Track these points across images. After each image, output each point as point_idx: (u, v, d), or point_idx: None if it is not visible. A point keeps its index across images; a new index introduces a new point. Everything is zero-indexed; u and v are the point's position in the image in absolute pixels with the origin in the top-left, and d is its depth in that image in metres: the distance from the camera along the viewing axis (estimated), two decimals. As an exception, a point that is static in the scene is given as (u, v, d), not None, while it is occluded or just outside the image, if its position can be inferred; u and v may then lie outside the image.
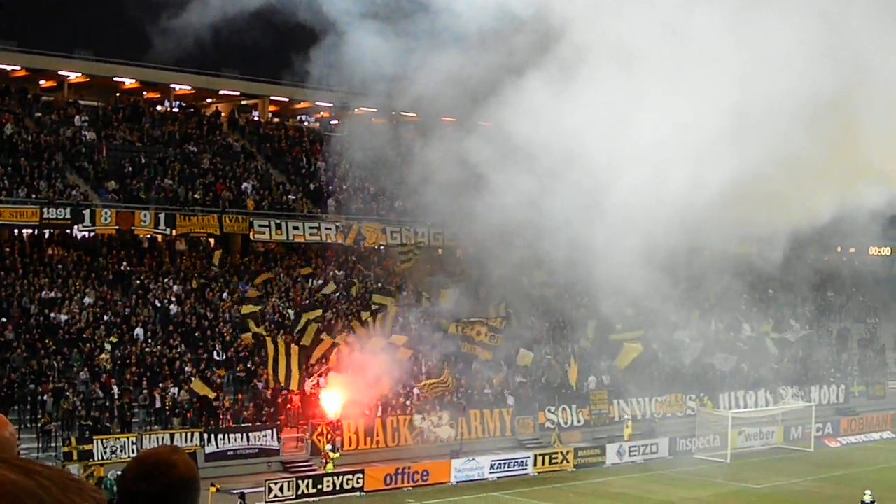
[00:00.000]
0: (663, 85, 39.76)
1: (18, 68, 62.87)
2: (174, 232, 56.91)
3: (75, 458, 42.68)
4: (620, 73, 40.15)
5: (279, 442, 48.27)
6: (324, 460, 47.06)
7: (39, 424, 43.99)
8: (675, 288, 52.62)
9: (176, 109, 67.89)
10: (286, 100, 73.00)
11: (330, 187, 64.62)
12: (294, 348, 50.05)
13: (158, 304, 53.42)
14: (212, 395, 47.82)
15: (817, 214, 46.31)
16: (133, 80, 67.12)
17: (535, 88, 41.28)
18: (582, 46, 40.72)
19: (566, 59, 40.76)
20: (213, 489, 38.38)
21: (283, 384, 49.67)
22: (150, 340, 50.87)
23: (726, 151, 39.28)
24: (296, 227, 59.61)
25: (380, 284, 60.58)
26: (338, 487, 45.30)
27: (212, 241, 60.49)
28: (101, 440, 44.11)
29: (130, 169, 58.64)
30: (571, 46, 40.72)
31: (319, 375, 51.05)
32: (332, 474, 45.71)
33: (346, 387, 49.88)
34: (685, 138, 39.67)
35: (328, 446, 47.70)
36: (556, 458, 52.00)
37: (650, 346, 59.98)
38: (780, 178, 41.04)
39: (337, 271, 61.08)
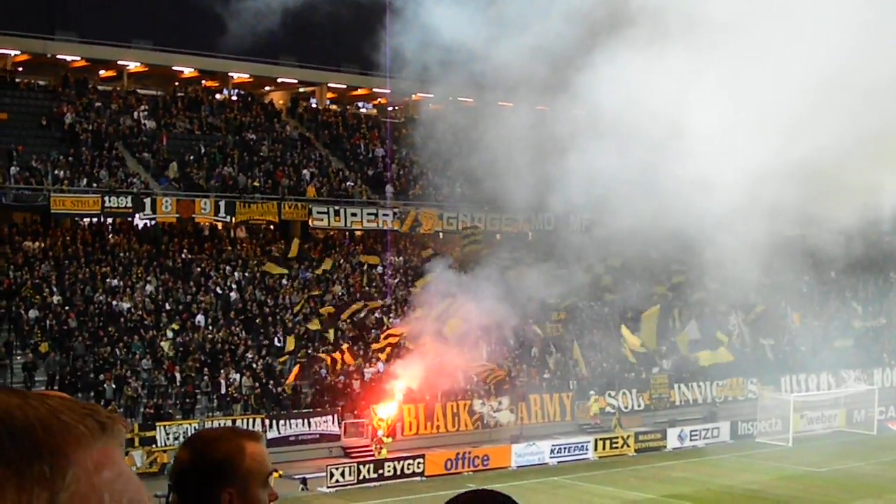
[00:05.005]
0: (743, 54, 38.28)
1: (78, 59, 63.39)
2: (234, 219, 57.23)
3: (137, 444, 42.99)
4: (697, 43, 38.67)
5: (340, 427, 48.47)
6: (378, 446, 47.17)
7: (103, 411, 44.27)
8: (749, 269, 51.39)
9: (234, 98, 68.21)
10: (344, 87, 73.18)
11: (388, 174, 64.66)
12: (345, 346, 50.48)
13: (220, 291, 53.77)
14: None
15: (886, 195, 44.77)
16: (191, 69, 67.58)
17: (610, 62, 39.90)
18: (659, 14, 39.40)
19: (643, 27, 39.36)
20: (276, 475, 38.39)
21: (343, 374, 49.95)
22: (211, 327, 51.23)
23: (807, 127, 37.77)
24: (354, 214, 59.67)
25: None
26: (398, 472, 45.38)
27: (271, 227, 60.79)
28: (164, 427, 44.49)
29: (190, 157, 59.04)
30: (648, 15, 39.41)
31: (380, 361, 51.17)
32: (392, 459, 45.83)
33: (406, 373, 49.97)
34: (765, 112, 38.29)
35: (380, 432, 47.85)
36: (617, 442, 51.87)
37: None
38: (858, 157, 39.66)
39: (395, 258, 61.12)
